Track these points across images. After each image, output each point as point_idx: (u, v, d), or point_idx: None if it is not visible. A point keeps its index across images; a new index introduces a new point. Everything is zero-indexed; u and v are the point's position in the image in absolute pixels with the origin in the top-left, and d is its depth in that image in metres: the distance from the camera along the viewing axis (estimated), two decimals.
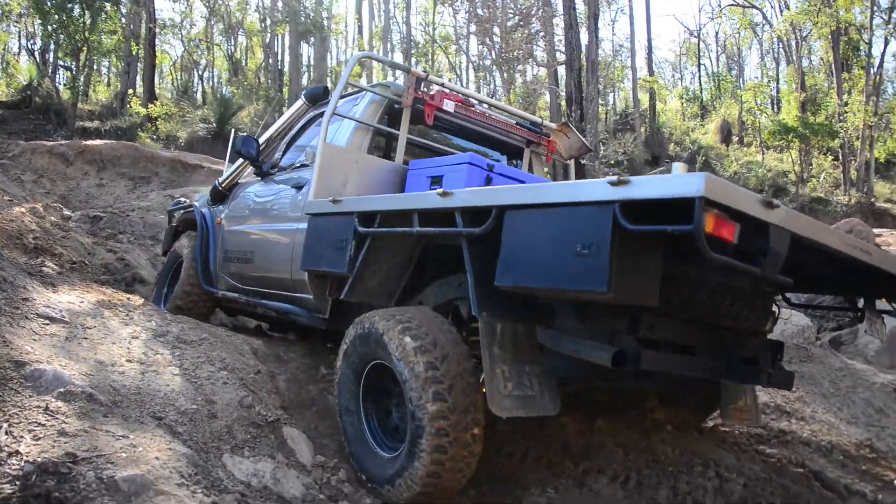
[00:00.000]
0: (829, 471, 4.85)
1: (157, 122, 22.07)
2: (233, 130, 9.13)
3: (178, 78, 36.48)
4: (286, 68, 27.33)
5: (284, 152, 5.89)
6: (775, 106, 39.83)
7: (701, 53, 47.06)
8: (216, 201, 6.52)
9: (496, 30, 23.19)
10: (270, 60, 31.75)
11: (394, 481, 3.41)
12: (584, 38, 23.97)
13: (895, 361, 9.11)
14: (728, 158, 31.64)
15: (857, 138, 28.61)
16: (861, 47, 33.43)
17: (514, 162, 5.94)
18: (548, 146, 5.96)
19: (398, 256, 4.18)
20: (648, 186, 2.44)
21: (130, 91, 25.08)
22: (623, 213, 2.48)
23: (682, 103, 41.00)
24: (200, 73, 35.98)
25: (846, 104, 29.09)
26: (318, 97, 5.82)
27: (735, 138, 35.47)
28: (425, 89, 5.02)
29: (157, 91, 26.27)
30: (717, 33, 48.17)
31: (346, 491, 3.55)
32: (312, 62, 27.37)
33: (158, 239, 9.60)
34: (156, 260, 8.86)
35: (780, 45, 41.56)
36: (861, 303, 4.06)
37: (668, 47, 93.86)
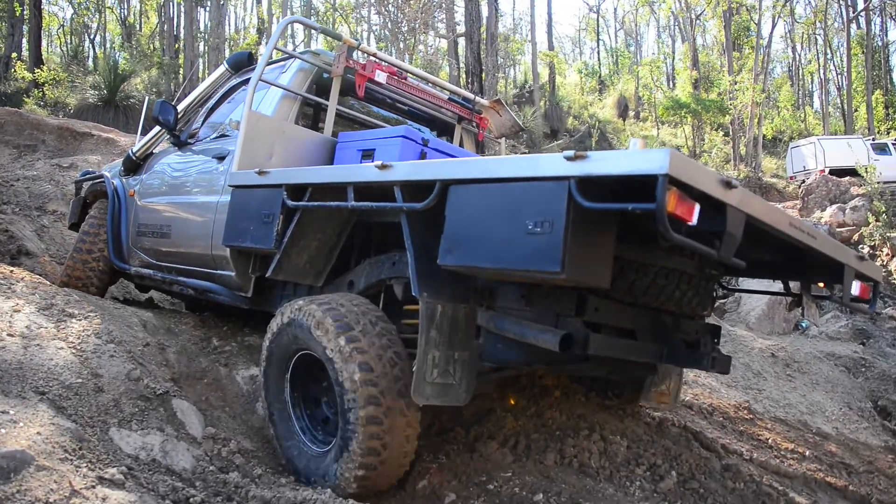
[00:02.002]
0: (709, 431, 5.09)
1: (45, 88, 21.05)
2: (146, 98, 8.72)
3: (68, 42, 34.91)
4: (182, 34, 26.48)
5: (204, 121, 5.60)
6: (670, 82, 41.01)
7: (600, 29, 47.96)
8: (129, 172, 6.13)
9: None
10: (165, 26, 30.69)
11: (328, 475, 3.32)
12: (484, 10, 24.15)
13: (775, 328, 9.61)
14: (624, 133, 32.44)
15: (747, 115, 29.76)
16: (751, 28, 34.74)
17: (446, 139, 5.74)
18: (479, 123, 5.82)
19: (328, 232, 4.01)
20: (607, 161, 2.33)
21: (15, 55, 23.85)
22: (579, 190, 2.36)
23: (581, 78, 41.74)
24: (91, 37, 34.46)
25: (736, 82, 30.20)
26: (242, 64, 5.52)
27: (631, 113, 36.41)
28: (356, 58, 4.80)
29: (44, 55, 25.09)
30: (615, 9, 49.28)
31: (237, 462, 3.52)
32: (209, 28, 26.57)
33: (45, 210, 9.23)
34: (42, 231, 8.53)
35: (676, 24, 42.76)
36: (797, 287, 4.06)
37: (568, 22, 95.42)
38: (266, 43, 5.46)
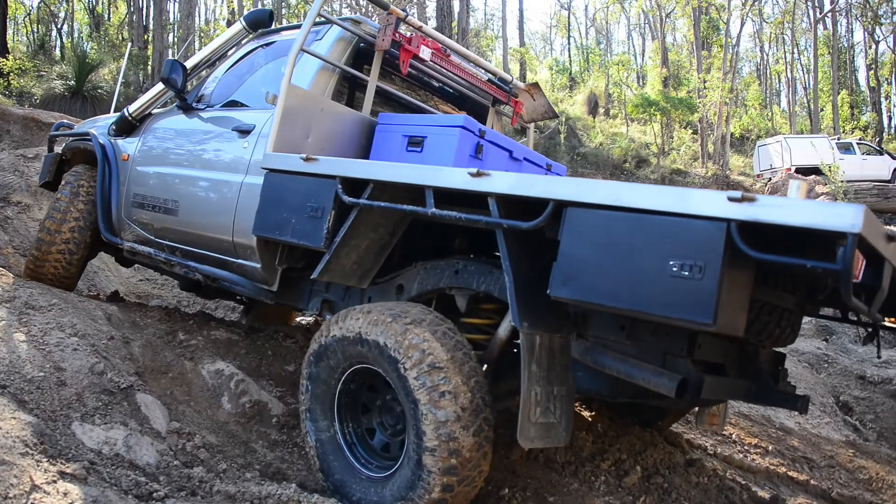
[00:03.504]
0: (674, 426, 5.15)
1: (10, 78, 20.71)
2: (118, 85, 8.27)
3: (34, 31, 34.32)
4: (151, 24, 26.17)
5: (214, 85, 5.04)
6: (640, 80, 41.27)
7: (571, 26, 48.09)
8: (121, 133, 5.44)
9: None
10: (135, 16, 30.31)
11: (384, 500, 3.04)
12: (455, 5, 24.16)
13: None
14: (594, 130, 32.57)
15: (715, 114, 30.06)
16: (720, 27, 35.03)
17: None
18: (514, 107, 5.40)
19: (380, 231, 3.64)
20: (781, 210, 2.07)
21: None
22: (741, 235, 2.12)
23: (552, 74, 41.83)
24: (59, 26, 33.93)
25: (705, 81, 30.48)
26: (261, 23, 4.97)
27: (601, 110, 36.55)
28: (402, 32, 4.34)
29: (9, 44, 24.63)
30: (586, 7, 49.49)
31: (201, 457, 3.50)
32: (178, 18, 26.33)
33: (9, 201, 9.05)
34: (6, 223, 8.38)
35: (647, 22, 43.05)
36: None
37: (539, 19, 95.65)
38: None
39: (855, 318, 3.86)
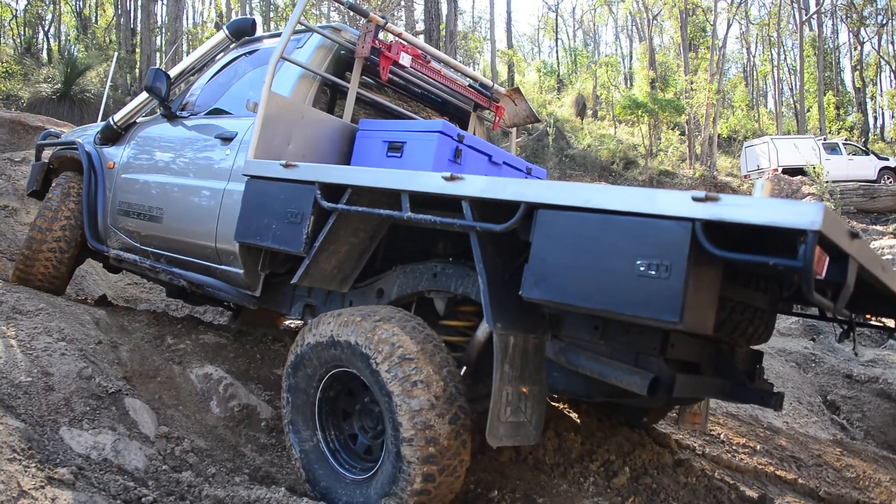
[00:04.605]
0: (662, 427, 5.15)
1: None
2: (106, 88, 8.24)
3: (21, 34, 34.14)
4: (139, 28, 26.09)
5: (199, 93, 5.07)
6: (628, 82, 41.44)
7: (559, 28, 48.22)
8: (107, 141, 5.46)
9: None
10: (122, 19, 30.21)
11: (368, 501, 3.04)
12: (443, 7, 24.20)
13: None
14: (582, 131, 32.68)
15: (702, 115, 30.20)
16: (707, 29, 35.25)
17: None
18: (496, 112, 5.42)
19: (360, 236, 3.66)
20: (744, 208, 2.12)
21: None
22: (705, 234, 2.15)
23: (540, 76, 41.93)
24: (46, 29, 33.80)
25: (692, 82, 30.62)
26: (245, 32, 4.99)
27: (589, 112, 36.67)
28: (382, 39, 4.37)
29: None
30: (574, 9, 49.67)
31: (190, 461, 3.49)
32: (166, 22, 26.26)
33: None
34: None
35: (634, 24, 43.23)
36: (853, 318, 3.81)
37: (527, 21, 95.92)
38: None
39: (832, 316, 3.86)
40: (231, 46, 5.14)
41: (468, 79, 5.33)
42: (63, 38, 34.51)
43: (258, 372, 4.53)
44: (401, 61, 4.39)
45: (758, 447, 5.32)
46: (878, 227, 14.77)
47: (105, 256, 5.32)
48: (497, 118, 5.47)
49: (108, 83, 7.44)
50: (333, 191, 3.44)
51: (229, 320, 6.50)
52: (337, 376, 3.25)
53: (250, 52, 4.90)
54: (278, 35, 4.69)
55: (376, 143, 4.15)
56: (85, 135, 5.76)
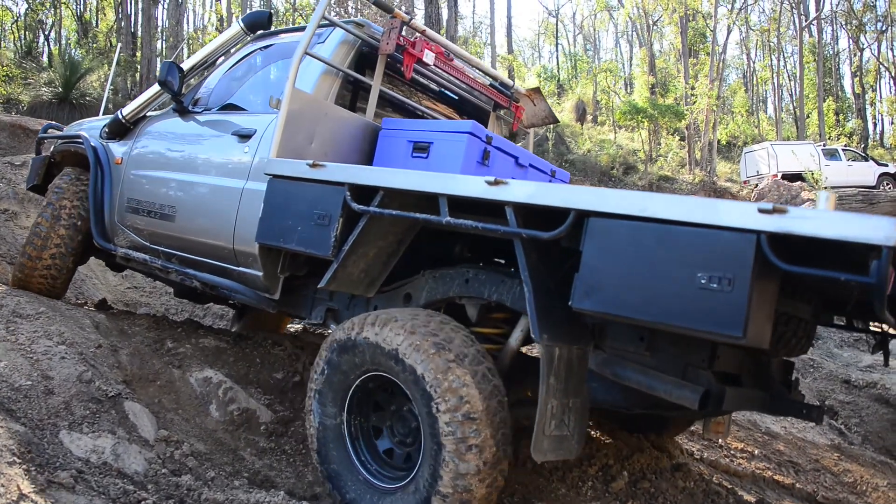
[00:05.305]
0: None
1: None
2: (106, 92, 8.15)
3: (22, 37, 34.18)
4: (139, 32, 26.12)
5: (212, 87, 4.94)
6: (628, 87, 41.49)
7: (559, 33, 48.29)
8: (114, 136, 5.28)
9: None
10: (123, 23, 30.25)
11: None
12: (444, 12, 24.23)
13: None
14: (582, 136, 32.70)
15: (702, 120, 30.25)
16: (707, 34, 35.31)
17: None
18: (515, 112, 5.32)
19: (389, 239, 3.54)
20: (813, 221, 2.04)
21: None
22: (771, 247, 2.09)
23: (540, 82, 41.95)
24: (46, 33, 33.84)
25: (693, 88, 30.69)
26: (260, 25, 4.85)
27: (589, 117, 36.70)
28: (406, 35, 4.25)
29: None
30: (574, 14, 49.71)
31: (190, 465, 3.49)
32: (167, 27, 26.30)
33: None
34: None
35: (634, 29, 43.30)
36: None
37: (527, 26, 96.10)
38: None
39: (862, 327, 3.84)
40: (246, 40, 5.01)
41: (489, 78, 5.23)
42: (63, 41, 34.55)
43: (258, 376, 4.54)
44: (424, 59, 4.29)
45: (756, 452, 5.33)
46: None
47: (111, 255, 5.20)
48: (517, 118, 5.38)
49: (109, 87, 7.40)
50: (364, 192, 3.33)
51: (231, 322, 6.47)
52: (384, 379, 3.12)
53: (266, 47, 4.80)
54: (295, 30, 4.66)
55: (400, 143, 4.05)
56: (89, 129, 5.57)
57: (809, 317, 3.24)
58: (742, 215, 2.16)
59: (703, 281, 2.20)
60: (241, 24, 4.89)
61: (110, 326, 4.68)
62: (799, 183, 17.48)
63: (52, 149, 5.91)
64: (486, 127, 4.99)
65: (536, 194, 2.71)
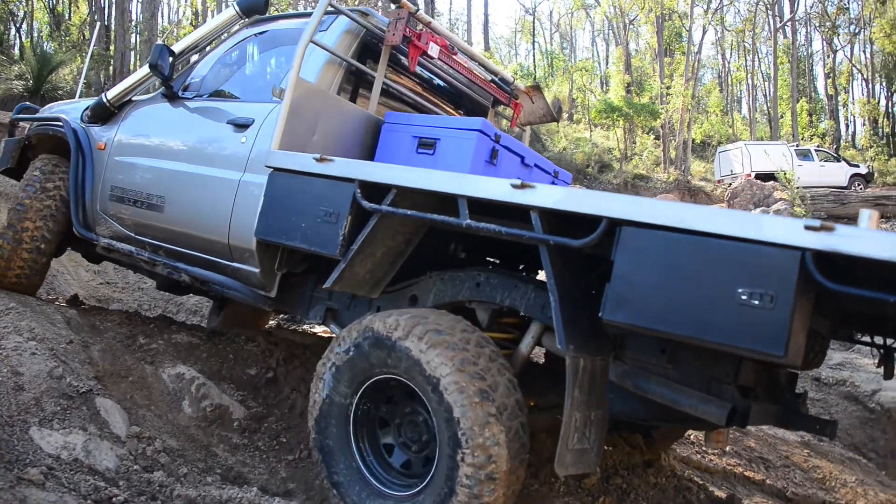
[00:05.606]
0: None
1: None
2: (79, 86, 7.90)
3: None
4: (113, 25, 25.84)
5: (203, 73, 4.72)
6: (604, 86, 41.69)
7: (536, 31, 48.40)
8: (97, 120, 5.00)
9: None
10: (96, 16, 29.93)
11: None
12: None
13: None
14: (558, 134, 32.83)
15: (677, 120, 30.48)
16: (683, 34, 35.56)
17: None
18: (514, 109, 5.19)
19: (397, 239, 3.40)
20: (862, 240, 1.98)
21: None
22: (817, 266, 2.03)
23: (517, 79, 42.01)
24: (18, 25, 33.41)
25: (668, 87, 30.91)
26: (256, 10, 4.61)
27: (565, 115, 36.83)
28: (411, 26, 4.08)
29: None
30: (551, 12, 49.81)
31: (162, 461, 3.47)
32: (141, 20, 26.03)
33: None
34: None
35: (610, 28, 43.50)
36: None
37: (504, 24, 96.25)
38: None
39: (868, 341, 3.78)
40: (240, 25, 4.81)
41: (489, 73, 5.09)
42: (35, 34, 34.11)
43: (231, 372, 4.52)
44: (429, 52, 4.15)
45: (727, 448, 5.38)
46: None
47: (91, 245, 4.97)
48: (515, 115, 5.27)
49: (82, 81, 7.29)
50: (375, 190, 3.20)
51: (209, 317, 6.37)
52: (411, 389, 2.94)
53: (261, 33, 4.63)
54: (292, 16, 4.54)
55: (405, 138, 3.92)
56: (68, 111, 5.28)
57: (826, 332, 3.19)
58: (787, 231, 2.10)
59: (743, 297, 2.14)
60: (237, 8, 4.68)
61: (82, 322, 4.63)
62: (772, 182, 17.67)
63: (26, 130, 5.60)
64: None
65: (566, 200, 2.62)
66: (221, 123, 4.21)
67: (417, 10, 4.08)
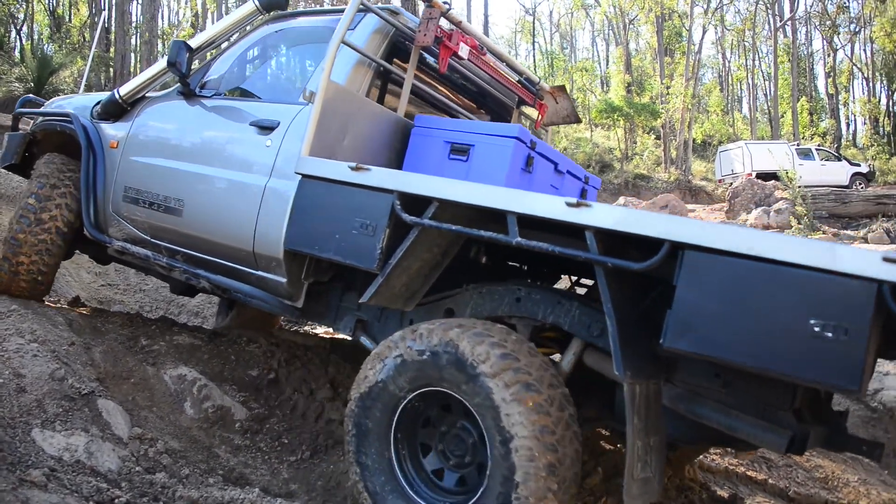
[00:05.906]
0: None
1: None
2: (81, 85, 7.72)
3: None
4: (113, 27, 25.87)
5: (221, 70, 4.56)
6: (604, 86, 41.70)
7: (536, 32, 48.40)
8: (108, 117, 4.79)
9: None
10: (97, 18, 29.97)
11: None
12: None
13: None
14: (558, 134, 32.81)
15: (678, 119, 30.48)
16: (683, 34, 35.55)
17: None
18: (539, 109, 5.03)
19: (434, 251, 3.26)
20: None
21: None
22: (894, 298, 1.98)
23: None
24: (18, 27, 33.44)
25: (668, 87, 30.91)
26: (278, 5, 4.41)
27: None
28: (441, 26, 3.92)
29: None
30: (551, 13, 49.80)
31: (164, 462, 3.48)
32: (141, 21, 26.05)
33: None
34: None
35: (610, 28, 43.50)
36: None
37: (504, 24, 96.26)
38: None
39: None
40: (260, 21, 4.61)
41: (516, 73, 4.94)
42: (36, 36, 34.17)
43: (233, 373, 4.52)
44: (460, 52, 3.98)
45: (729, 448, 5.38)
46: (850, 232, 14.95)
47: (102, 247, 4.79)
48: (540, 116, 5.12)
49: (84, 83, 7.25)
50: (415, 202, 3.06)
51: (216, 316, 6.28)
52: (461, 404, 2.80)
53: (281, 30, 4.52)
54: (315, 12, 4.37)
55: (436, 143, 3.77)
56: (76, 105, 5.05)
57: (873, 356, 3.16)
58: (864, 263, 2.05)
59: (816, 329, 2.08)
60: (257, 3, 4.42)
61: (83, 324, 4.63)
62: (773, 182, 17.66)
63: (32, 125, 5.38)
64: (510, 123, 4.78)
65: (625, 221, 2.52)
66: (244, 125, 4.04)
67: (449, 8, 3.89)
